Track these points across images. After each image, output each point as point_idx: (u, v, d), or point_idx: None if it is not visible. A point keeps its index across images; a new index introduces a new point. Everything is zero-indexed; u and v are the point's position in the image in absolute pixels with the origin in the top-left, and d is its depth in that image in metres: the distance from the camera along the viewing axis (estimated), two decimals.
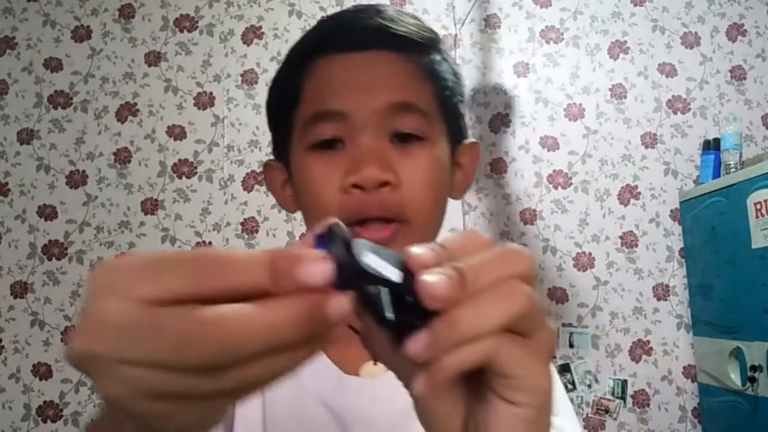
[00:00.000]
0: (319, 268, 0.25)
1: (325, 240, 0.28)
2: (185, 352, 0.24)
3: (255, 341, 0.24)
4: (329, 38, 0.60)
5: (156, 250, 0.26)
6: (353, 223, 0.56)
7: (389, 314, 0.28)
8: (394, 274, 0.28)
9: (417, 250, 0.28)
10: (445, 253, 0.29)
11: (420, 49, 0.61)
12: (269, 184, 0.68)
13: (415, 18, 0.63)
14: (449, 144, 0.63)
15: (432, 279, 0.27)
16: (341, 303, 0.26)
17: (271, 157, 0.69)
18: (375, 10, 0.61)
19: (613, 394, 2.25)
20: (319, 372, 0.59)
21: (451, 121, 0.63)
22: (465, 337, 0.28)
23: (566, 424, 0.59)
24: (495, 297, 0.28)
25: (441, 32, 2.57)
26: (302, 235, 0.30)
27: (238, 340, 0.24)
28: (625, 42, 2.45)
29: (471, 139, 0.68)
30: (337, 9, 2.44)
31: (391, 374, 0.61)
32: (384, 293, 0.28)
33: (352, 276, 0.27)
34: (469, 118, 2.39)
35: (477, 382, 0.31)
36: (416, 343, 0.28)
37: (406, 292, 0.28)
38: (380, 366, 0.61)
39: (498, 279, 0.29)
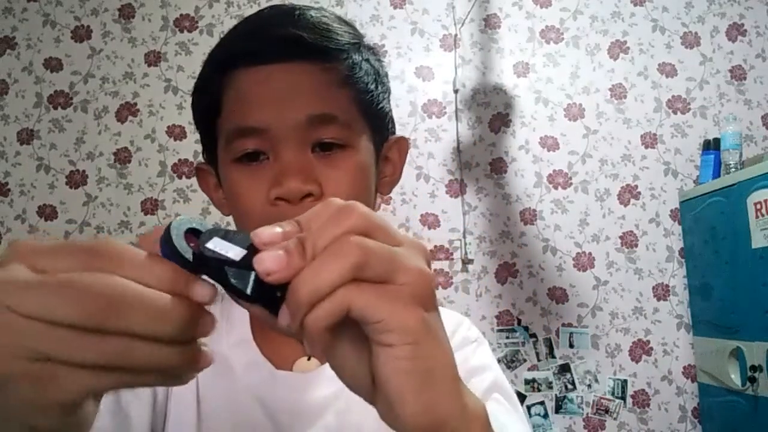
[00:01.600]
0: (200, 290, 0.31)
1: (164, 240, 0.31)
2: (72, 302, 0.27)
3: (134, 307, 0.28)
4: (245, 50, 0.60)
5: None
6: None
7: (250, 292, 0.31)
8: (235, 254, 0.31)
9: (261, 230, 0.32)
10: (297, 227, 0.33)
11: (338, 55, 0.60)
12: (202, 187, 0.70)
13: (337, 19, 0.63)
14: (374, 144, 0.64)
15: (262, 256, 0.30)
16: (204, 290, 0.30)
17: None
18: (290, 15, 0.60)
19: (613, 394, 2.25)
20: (252, 368, 0.62)
21: (374, 122, 0.64)
22: (310, 297, 0.30)
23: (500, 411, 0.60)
24: (327, 256, 0.31)
25: (441, 32, 2.57)
26: (141, 236, 0.33)
27: (119, 299, 0.28)
28: (625, 42, 2.45)
29: (398, 135, 0.69)
30: (337, 9, 2.44)
31: (321, 368, 0.61)
32: (247, 275, 0.31)
33: (197, 264, 0.31)
34: (469, 118, 2.40)
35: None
36: (282, 315, 0.32)
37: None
38: (313, 361, 0.62)
39: (332, 239, 0.31)
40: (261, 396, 0.61)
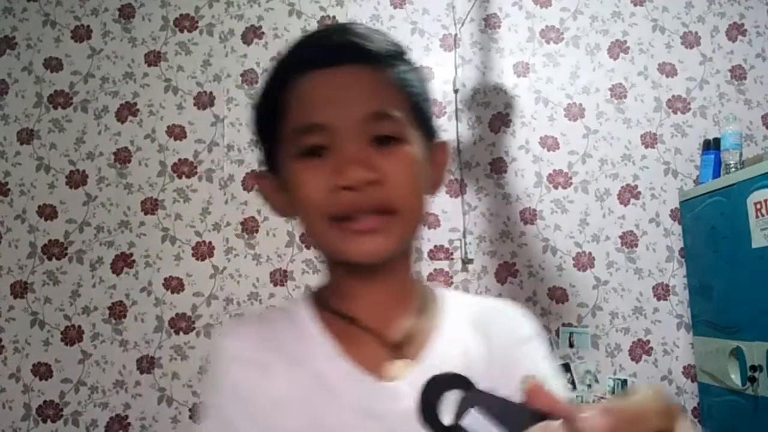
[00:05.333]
0: None
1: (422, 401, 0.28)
2: None
3: None
4: (308, 56, 0.65)
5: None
6: (341, 218, 0.61)
7: None
8: None
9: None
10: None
11: (389, 61, 0.66)
12: (263, 193, 0.72)
13: (383, 33, 0.68)
14: (423, 144, 0.68)
15: None
16: None
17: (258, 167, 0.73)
18: (345, 28, 0.67)
19: (613, 394, 2.25)
20: (353, 381, 0.62)
21: (423, 124, 0.68)
22: None
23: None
24: None
25: (441, 32, 2.57)
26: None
27: None
28: (625, 42, 2.45)
29: (441, 139, 0.73)
30: (337, 9, 2.45)
31: (414, 370, 0.62)
32: None
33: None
34: (469, 118, 2.40)
35: None
36: None
37: None
38: (406, 362, 0.62)
39: None
40: (374, 412, 0.60)
